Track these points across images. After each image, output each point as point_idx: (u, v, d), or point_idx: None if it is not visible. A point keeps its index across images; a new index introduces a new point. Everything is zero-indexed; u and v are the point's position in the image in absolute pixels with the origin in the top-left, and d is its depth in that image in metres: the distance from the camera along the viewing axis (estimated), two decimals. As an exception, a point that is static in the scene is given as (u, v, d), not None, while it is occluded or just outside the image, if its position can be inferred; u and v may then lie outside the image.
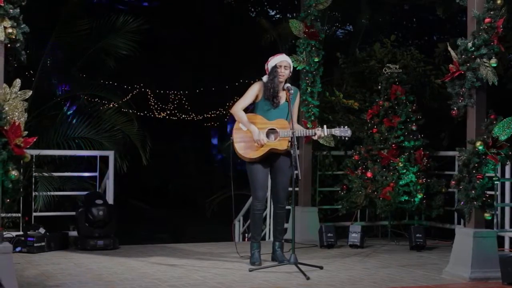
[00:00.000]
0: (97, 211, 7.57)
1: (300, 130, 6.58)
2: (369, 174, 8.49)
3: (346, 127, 6.66)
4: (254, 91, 6.59)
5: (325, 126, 6.57)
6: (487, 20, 6.02)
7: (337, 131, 6.58)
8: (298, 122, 7.41)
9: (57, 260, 6.81)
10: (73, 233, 7.97)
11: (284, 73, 6.55)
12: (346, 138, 6.66)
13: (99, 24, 10.83)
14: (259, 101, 6.59)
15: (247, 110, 6.62)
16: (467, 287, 5.85)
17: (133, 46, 10.96)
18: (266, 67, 6.65)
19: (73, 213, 7.98)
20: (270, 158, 6.53)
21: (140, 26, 11.01)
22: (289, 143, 6.38)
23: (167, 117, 19.50)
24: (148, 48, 15.21)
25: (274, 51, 10.54)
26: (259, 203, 6.56)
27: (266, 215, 8.77)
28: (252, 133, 6.43)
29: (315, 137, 6.68)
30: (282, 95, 6.56)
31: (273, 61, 6.58)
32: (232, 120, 6.81)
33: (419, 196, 8.35)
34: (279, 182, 6.62)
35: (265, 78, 6.62)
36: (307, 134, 6.65)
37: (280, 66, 6.54)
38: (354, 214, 9.03)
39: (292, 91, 6.50)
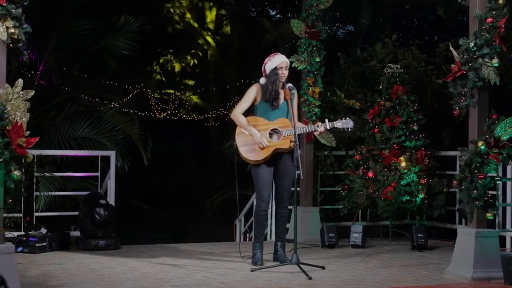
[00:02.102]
0: (103, 211, 7.58)
1: (302, 127, 6.56)
2: (370, 174, 8.49)
3: (347, 118, 6.64)
4: (252, 94, 6.54)
5: (326, 120, 6.57)
6: (489, 20, 6.02)
7: (339, 123, 6.56)
8: (300, 121, 7.39)
9: (58, 260, 6.81)
10: (75, 233, 7.97)
11: (285, 74, 6.52)
12: (349, 129, 6.64)
13: (101, 24, 10.85)
14: (258, 103, 6.55)
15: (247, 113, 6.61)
16: (469, 287, 5.85)
17: (134, 46, 10.98)
18: (263, 69, 6.57)
19: (75, 213, 7.97)
20: (274, 158, 6.51)
21: (141, 26, 11.03)
22: (291, 142, 6.36)
23: (167, 117, 19.49)
24: (149, 47, 15.22)
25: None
26: (264, 204, 6.53)
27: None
28: (253, 136, 6.42)
29: (317, 133, 6.66)
30: (281, 95, 6.55)
31: (272, 63, 6.49)
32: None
33: (421, 196, 8.34)
34: (283, 182, 6.59)
35: (262, 80, 6.55)
36: (310, 130, 6.60)
37: (281, 67, 6.48)
38: (356, 214, 9.02)
39: (294, 90, 6.49)
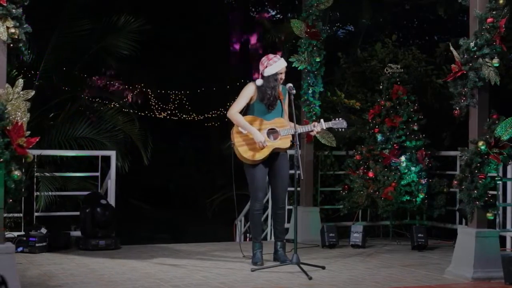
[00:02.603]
0: (104, 211, 7.58)
1: (299, 127, 6.56)
2: (370, 174, 8.48)
3: (340, 118, 6.66)
4: (249, 94, 6.51)
5: (322, 120, 6.58)
6: (489, 20, 6.02)
7: (333, 124, 6.58)
8: (299, 122, 7.37)
9: (59, 260, 6.81)
10: (75, 233, 7.97)
11: (283, 78, 6.52)
12: (343, 129, 6.66)
13: (101, 24, 10.84)
14: (254, 102, 6.53)
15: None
16: (469, 287, 5.85)
17: (134, 46, 10.98)
18: (261, 70, 6.51)
19: (75, 213, 7.95)
20: (270, 159, 6.50)
21: (141, 26, 11.03)
22: (291, 142, 6.37)
23: (167, 117, 19.49)
24: (149, 47, 15.20)
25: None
26: (258, 204, 6.54)
27: (267, 215, 8.78)
28: (253, 136, 6.39)
29: (313, 133, 6.67)
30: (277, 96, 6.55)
31: (272, 68, 6.42)
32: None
33: (421, 196, 8.34)
34: (279, 183, 6.60)
35: (259, 82, 6.49)
36: (306, 130, 6.61)
37: (281, 73, 6.48)
38: (356, 214, 9.02)
39: (294, 91, 6.47)
